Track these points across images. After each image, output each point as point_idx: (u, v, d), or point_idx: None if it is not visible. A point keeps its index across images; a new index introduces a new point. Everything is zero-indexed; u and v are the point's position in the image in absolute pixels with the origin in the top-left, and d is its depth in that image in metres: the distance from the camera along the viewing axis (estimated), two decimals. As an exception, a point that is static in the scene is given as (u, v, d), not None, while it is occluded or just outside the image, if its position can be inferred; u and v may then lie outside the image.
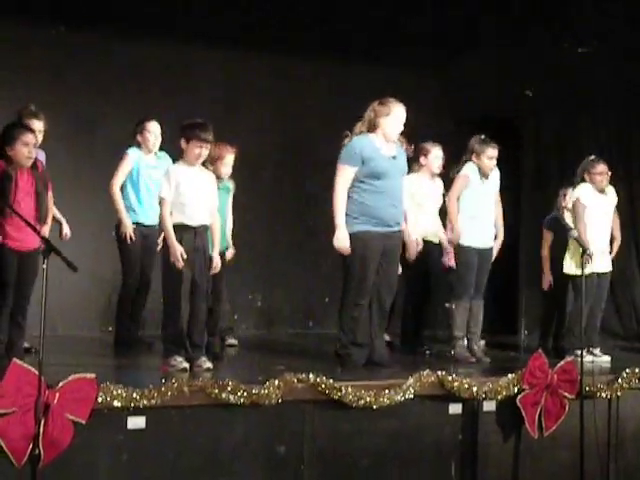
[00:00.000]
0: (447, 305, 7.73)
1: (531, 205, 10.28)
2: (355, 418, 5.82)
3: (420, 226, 7.66)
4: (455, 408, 6.20)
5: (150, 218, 7.49)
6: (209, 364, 6.25)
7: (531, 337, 8.63)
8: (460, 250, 7.52)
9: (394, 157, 6.78)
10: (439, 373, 6.10)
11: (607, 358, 7.88)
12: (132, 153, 7.60)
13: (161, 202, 6.29)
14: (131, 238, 7.46)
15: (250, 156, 8.02)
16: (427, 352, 7.83)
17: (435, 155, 8.03)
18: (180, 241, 6.18)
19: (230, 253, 7.41)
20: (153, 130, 7.66)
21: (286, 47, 9.34)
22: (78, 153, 8.84)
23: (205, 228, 6.36)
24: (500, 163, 7.74)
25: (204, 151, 6.35)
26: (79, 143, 8.87)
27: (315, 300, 10.05)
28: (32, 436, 4.74)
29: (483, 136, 7.56)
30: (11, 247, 6.02)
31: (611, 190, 7.99)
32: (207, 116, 6.58)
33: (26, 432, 4.78)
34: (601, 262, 7.77)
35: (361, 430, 5.89)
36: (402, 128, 6.84)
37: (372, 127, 6.78)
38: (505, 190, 9.98)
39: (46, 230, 6.27)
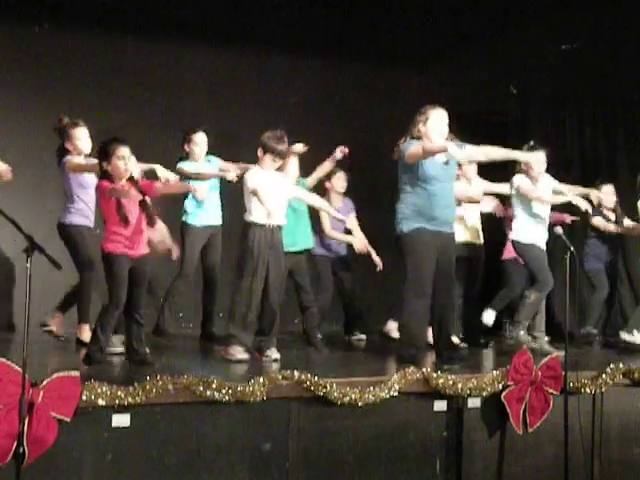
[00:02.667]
0: (526, 293, 7.90)
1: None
2: (340, 415, 5.83)
3: None
4: (440, 405, 6.21)
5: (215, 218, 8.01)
6: (277, 354, 6.79)
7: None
8: (527, 247, 7.86)
9: (446, 163, 6.88)
10: (424, 370, 6.11)
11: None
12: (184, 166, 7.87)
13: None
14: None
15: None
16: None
17: None
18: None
19: None
20: (199, 141, 7.95)
21: (273, 44, 9.36)
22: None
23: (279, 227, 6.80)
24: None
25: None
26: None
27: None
28: (16, 434, 4.73)
29: (532, 142, 7.78)
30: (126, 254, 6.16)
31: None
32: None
33: (10, 430, 4.76)
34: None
35: (346, 427, 5.89)
36: (445, 131, 6.90)
37: (417, 137, 6.88)
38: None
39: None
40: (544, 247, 7.90)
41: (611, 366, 6.74)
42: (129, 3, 8.91)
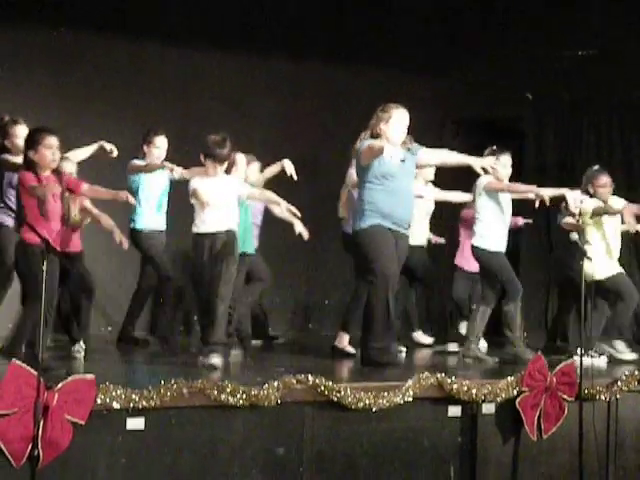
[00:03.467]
0: (506, 308, 7.65)
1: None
2: (354, 420, 5.81)
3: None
4: (454, 410, 6.19)
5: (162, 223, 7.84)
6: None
7: (530, 338, 8.60)
8: (493, 255, 7.56)
9: (403, 161, 6.79)
10: (438, 375, 6.09)
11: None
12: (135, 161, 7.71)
13: None
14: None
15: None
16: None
17: None
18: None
19: None
20: (160, 144, 7.80)
21: (287, 49, 9.37)
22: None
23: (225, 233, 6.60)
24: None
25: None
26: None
27: (315, 301, 10.07)
28: (31, 437, 4.75)
29: (597, 166, 7.69)
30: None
31: (619, 204, 7.95)
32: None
33: (25, 433, 4.77)
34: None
35: (360, 432, 5.88)
36: (405, 132, 6.87)
37: (376, 134, 6.83)
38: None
39: None
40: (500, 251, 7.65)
41: (626, 373, 6.73)
42: (145, 7, 8.94)
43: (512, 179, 9.36)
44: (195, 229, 6.59)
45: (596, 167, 7.90)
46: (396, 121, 6.81)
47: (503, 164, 7.45)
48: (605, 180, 7.79)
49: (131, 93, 9.23)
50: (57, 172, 6.16)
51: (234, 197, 6.73)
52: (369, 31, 9.67)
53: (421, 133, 10.44)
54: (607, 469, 6.66)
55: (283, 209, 6.95)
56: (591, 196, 7.81)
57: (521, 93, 10.48)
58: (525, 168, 10.69)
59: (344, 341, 7.52)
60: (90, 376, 5.09)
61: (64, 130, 8.13)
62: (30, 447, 4.76)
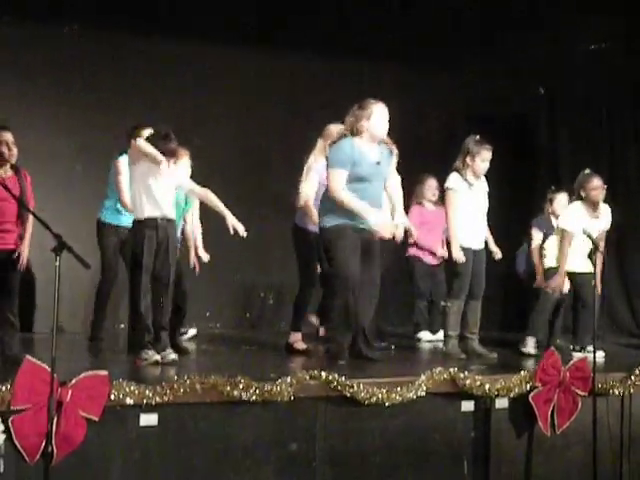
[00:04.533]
0: (443, 304, 7.72)
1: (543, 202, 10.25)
2: (367, 415, 5.82)
3: None
4: (467, 405, 6.19)
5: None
6: (174, 356, 6.43)
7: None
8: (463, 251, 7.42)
9: (378, 163, 6.74)
10: (451, 370, 6.09)
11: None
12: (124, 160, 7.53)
13: None
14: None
15: (255, 152, 8.06)
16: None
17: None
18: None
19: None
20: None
21: (291, 44, 9.36)
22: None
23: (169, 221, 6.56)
24: (514, 160, 7.76)
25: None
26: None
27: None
28: (45, 433, 4.76)
29: (478, 137, 7.42)
30: None
31: (606, 211, 7.94)
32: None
33: (39, 429, 4.79)
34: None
35: (373, 427, 5.88)
36: (387, 126, 6.78)
37: (356, 132, 6.72)
38: (517, 187, 10.02)
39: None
40: (478, 249, 7.51)
41: (640, 368, 6.72)
42: (157, 6, 8.96)
43: (527, 173, 9.40)
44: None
45: (587, 171, 7.88)
46: (378, 117, 6.71)
47: (482, 158, 7.38)
48: (597, 183, 7.79)
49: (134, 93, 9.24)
50: (15, 169, 6.18)
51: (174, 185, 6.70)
52: (379, 27, 9.64)
53: (434, 129, 10.51)
54: (621, 464, 6.65)
55: (222, 211, 6.73)
56: (583, 199, 7.80)
57: (534, 88, 10.47)
58: (537, 164, 10.70)
59: (296, 337, 7.57)
60: (103, 372, 5.11)
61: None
62: (44, 443, 4.77)
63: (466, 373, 6.12)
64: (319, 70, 9.97)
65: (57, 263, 4.72)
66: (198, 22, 9.11)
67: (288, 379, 5.54)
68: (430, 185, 9.10)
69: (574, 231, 7.67)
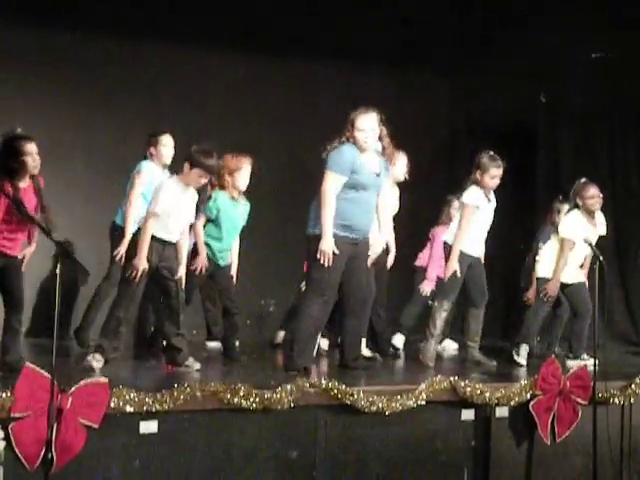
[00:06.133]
0: (430, 303, 7.77)
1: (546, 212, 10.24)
2: (367, 423, 5.82)
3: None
4: (467, 414, 6.19)
5: None
6: (198, 365, 6.53)
7: (542, 344, 8.59)
8: (460, 257, 7.40)
9: (378, 175, 6.73)
10: (451, 379, 6.09)
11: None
12: (147, 167, 7.62)
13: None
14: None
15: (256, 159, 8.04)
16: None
17: (401, 163, 7.90)
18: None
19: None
20: (167, 143, 7.70)
21: (297, 51, 9.37)
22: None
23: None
24: (516, 168, 7.74)
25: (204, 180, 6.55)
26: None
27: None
28: (45, 440, 4.76)
29: (492, 152, 7.43)
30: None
31: (601, 220, 7.92)
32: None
33: (39, 436, 4.79)
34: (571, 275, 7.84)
35: (373, 435, 5.88)
36: (376, 136, 6.72)
37: (351, 140, 6.69)
38: (520, 195, 9.97)
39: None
40: (476, 256, 7.50)
41: (640, 377, 6.71)
42: (160, 11, 8.96)
43: (525, 183, 9.39)
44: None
45: (583, 179, 7.87)
46: (364, 129, 6.62)
47: (491, 175, 7.38)
48: (593, 192, 7.77)
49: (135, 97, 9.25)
50: (34, 179, 6.18)
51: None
52: (383, 32, 9.64)
53: (435, 137, 10.51)
54: (621, 473, 6.64)
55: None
56: (579, 208, 7.79)
57: (535, 96, 10.46)
58: (538, 172, 10.69)
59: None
60: (104, 379, 5.12)
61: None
62: (44, 450, 4.78)
63: (466, 382, 6.12)
64: (319, 77, 9.99)
65: (58, 270, 4.73)
66: (198, 23, 9.10)
67: (288, 387, 5.54)
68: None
69: (575, 239, 7.67)
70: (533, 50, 9.76)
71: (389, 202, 7.30)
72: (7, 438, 4.77)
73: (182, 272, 6.65)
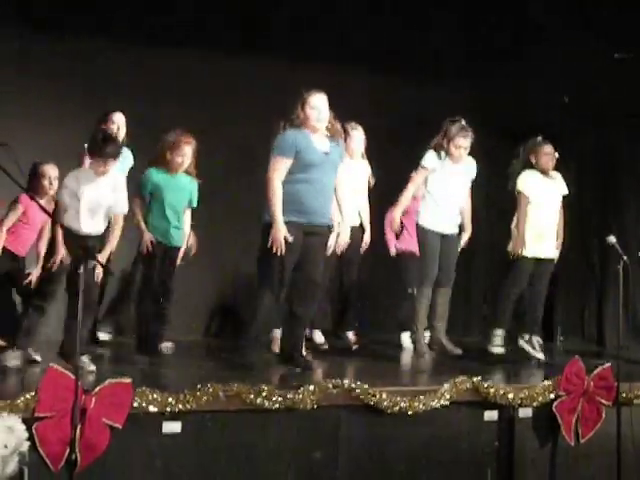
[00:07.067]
0: (410, 291, 7.65)
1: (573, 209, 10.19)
2: (390, 424, 5.81)
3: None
4: (491, 415, 6.17)
5: None
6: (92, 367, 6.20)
7: (567, 342, 8.55)
8: (422, 233, 7.42)
9: (326, 153, 6.64)
10: (474, 379, 6.07)
11: (541, 356, 7.65)
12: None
13: None
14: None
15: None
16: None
17: (354, 137, 7.89)
18: None
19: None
20: (117, 120, 7.57)
21: (300, 55, 9.34)
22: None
23: None
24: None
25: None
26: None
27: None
28: (69, 441, 4.77)
29: (463, 122, 7.39)
30: None
31: (559, 177, 7.83)
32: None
33: (63, 437, 4.81)
34: (541, 248, 7.66)
35: (396, 436, 5.88)
36: (326, 116, 6.65)
37: (299, 123, 6.62)
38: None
39: None
40: (450, 234, 7.46)
41: (664, 377, 6.68)
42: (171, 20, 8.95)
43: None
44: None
45: (539, 138, 7.75)
46: (312, 107, 6.58)
47: (456, 145, 7.30)
48: (548, 149, 7.69)
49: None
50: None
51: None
52: (401, 36, 9.62)
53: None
54: (645, 474, 6.61)
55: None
56: (532, 166, 7.69)
57: (558, 97, 10.41)
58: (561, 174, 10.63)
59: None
60: (127, 380, 5.13)
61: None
62: (68, 451, 4.79)
63: (490, 382, 6.10)
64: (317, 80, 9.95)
65: (81, 271, 4.75)
66: (198, 25, 9.10)
67: (311, 387, 5.55)
68: None
69: (530, 195, 7.59)
70: (555, 51, 9.73)
71: (347, 180, 7.14)
72: (31, 438, 4.79)
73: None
